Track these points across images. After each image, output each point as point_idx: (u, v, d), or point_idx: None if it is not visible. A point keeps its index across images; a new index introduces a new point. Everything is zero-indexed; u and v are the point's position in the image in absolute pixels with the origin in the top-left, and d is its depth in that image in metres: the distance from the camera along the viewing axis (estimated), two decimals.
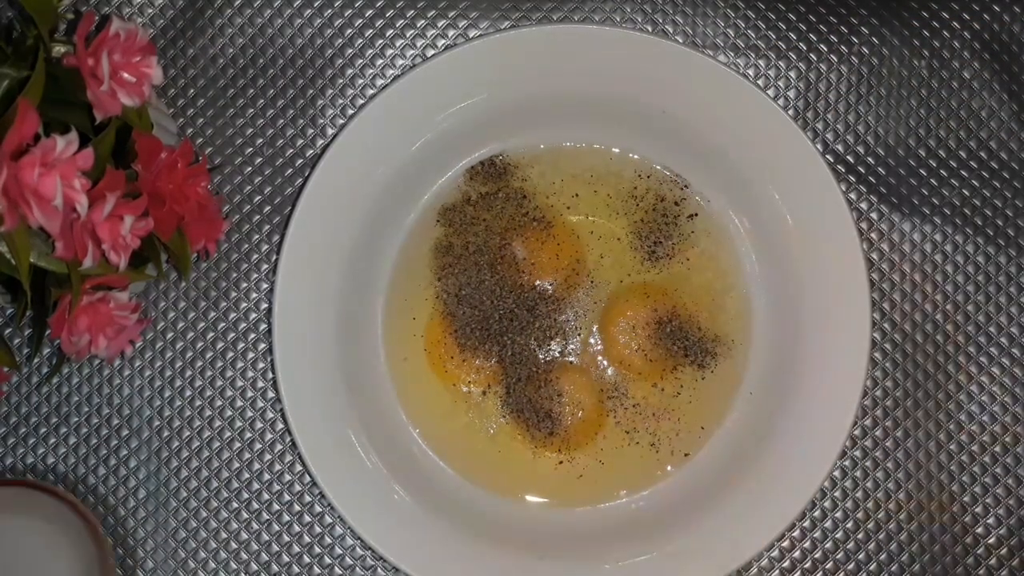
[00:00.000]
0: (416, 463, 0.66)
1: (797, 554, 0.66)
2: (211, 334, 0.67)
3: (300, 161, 0.67)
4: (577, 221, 0.67)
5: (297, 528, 0.66)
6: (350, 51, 0.67)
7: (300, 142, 0.67)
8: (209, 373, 0.66)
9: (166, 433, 0.66)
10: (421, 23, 0.67)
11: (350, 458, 0.63)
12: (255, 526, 0.66)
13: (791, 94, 0.68)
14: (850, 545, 0.66)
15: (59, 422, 0.66)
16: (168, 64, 0.67)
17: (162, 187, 0.50)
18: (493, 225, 0.67)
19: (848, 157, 0.68)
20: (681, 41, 0.67)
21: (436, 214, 0.67)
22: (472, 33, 0.67)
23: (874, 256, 0.67)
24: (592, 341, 0.66)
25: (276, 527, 0.66)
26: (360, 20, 0.67)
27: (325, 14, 0.67)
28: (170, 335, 0.66)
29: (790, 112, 0.67)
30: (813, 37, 0.68)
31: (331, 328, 0.64)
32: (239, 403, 0.66)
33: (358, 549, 0.66)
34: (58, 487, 0.60)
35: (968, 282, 0.67)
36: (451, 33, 0.67)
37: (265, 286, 0.67)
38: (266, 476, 0.66)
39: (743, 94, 0.63)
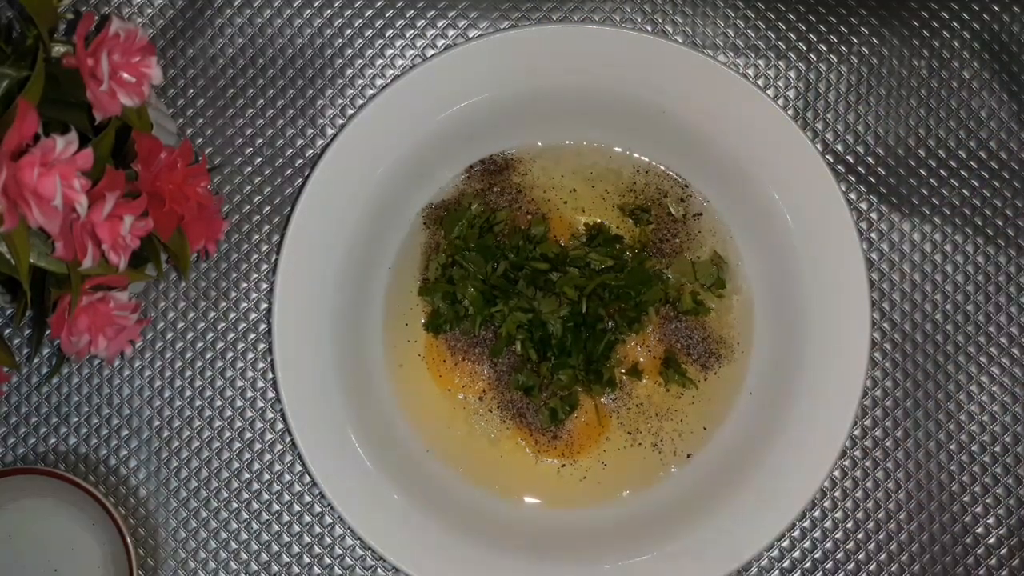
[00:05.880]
0: (416, 463, 0.66)
1: (797, 554, 0.66)
2: (211, 334, 0.67)
3: (300, 161, 0.67)
4: (575, 218, 0.67)
5: (297, 528, 0.66)
6: (350, 51, 0.67)
7: (300, 142, 0.67)
8: (209, 373, 0.66)
9: (166, 433, 0.66)
10: (421, 23, 0.67)
11: (350, 458, 0.63)
12: (255, 526, 0.66)
13: (791, 94, 0.68)
14: (850, 545, 0.66)
15: (59, 422, 0.66)
16: (168, 64, 0.67)
17: (162, 187, 0.50)
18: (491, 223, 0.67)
19: (848, 157, 0.68)
20: (681, 41, 0.67)
21: (432, 214, 0.67)
22: (472, 33, 0.67)
23: (874, 256, 0.67)
24: None
25: (276, 527, 0.66)
26: (360, 20, 0.67)
27: (325, 14, 0.67)
28: (170, 335, 0.66)
29: (790, 112, 0.67)
30: (813, 37, 0.68)
31: (331, 329, 0.64)
32: (239, 403, 0.66)
33: (358, 549, 0.66)
34: (78, 478, 0.61)
35: (968, 282, 0.67)
36: (451, 33, 0.67)
37: (265, 286, 0.67)
38: (266, 476, 0.66)
39: (743, 94, 0.63)
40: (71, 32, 0.55)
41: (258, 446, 0.66)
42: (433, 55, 0.66)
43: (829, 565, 0.66)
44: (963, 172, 0.68)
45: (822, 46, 0.68)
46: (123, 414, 0.66)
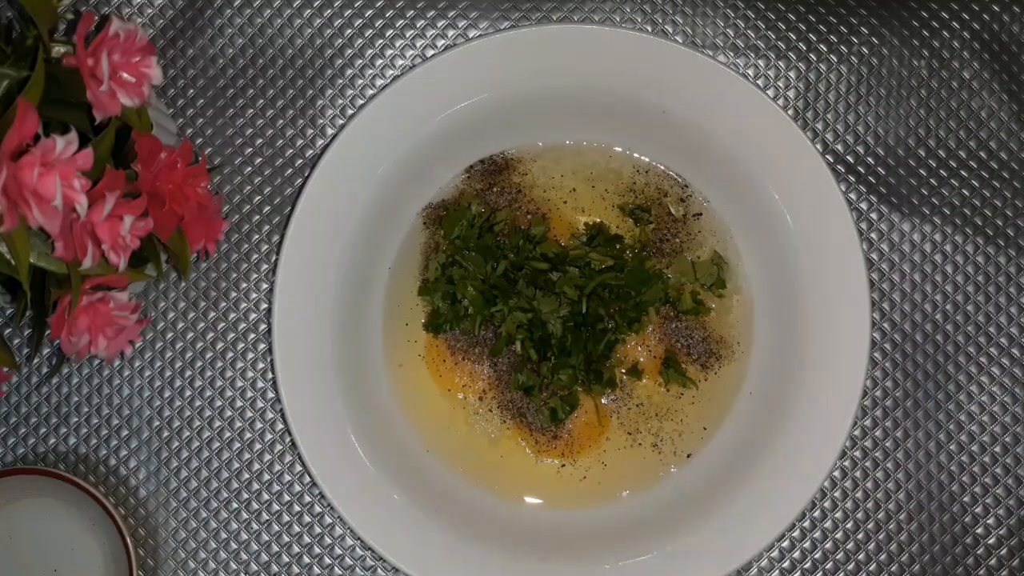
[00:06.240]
0: (416, 463, 0.66)
1: (797, 554, 0.66)
2: (211, 334, 0.67)
3: (300, 161, 0.67)
4: (575, 218, 0.67)
5: (297, 528, 0.66)
6: (350, 51, 0.67)
7: (300, 142, 0.67)
8: (209, 373, 0.66)
9: (166, 433, 0.66)
10: (421, 23, 0.67)
11: (350, 458, 0.63)
12: (255, 526, 0.66)
13: (791, 94, 0.68)
14: (850, 545, 0.66)
15: (59, 422, 0.66)
16: (168, 64, 0.67)
17: (162, 187, 0.50)
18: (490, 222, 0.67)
19: (848, 157, 0.68)
20: (681, 41, 0.67)
21: (432, 214, 0.67)
22: (472, 33, 0.67)
23: (874, 256, 0.67)
24: None
25: (276, 527, 0.66)
26: (360, 20, 0.67)
27: (325, 14, 0.67)
28: (170, 335, 0.66)
29: (790, 112, 0.67)
30: (813, 37, 0.68)
31: (331, 329, 0.64)
32: (239, 403, 0.66)
33: (358, 549, 0.66)
34: (78, 478, 0.61)
35: (968, 282, 0.67)
36: (451, 33, 0.67)
37: (265, 286, 0.67)
38: (266, 476, 0.66)
39: (743, 94, 0.63)
40: (71, 32, 0.55)
41: (258, 446, 0.66)
42: (433, 55, 0.66)
43: (829, 565, 0.66)
44: (963, 172, 0.68)
45: (822, 46, 0.68)
46: (123, 414, 0.66)
